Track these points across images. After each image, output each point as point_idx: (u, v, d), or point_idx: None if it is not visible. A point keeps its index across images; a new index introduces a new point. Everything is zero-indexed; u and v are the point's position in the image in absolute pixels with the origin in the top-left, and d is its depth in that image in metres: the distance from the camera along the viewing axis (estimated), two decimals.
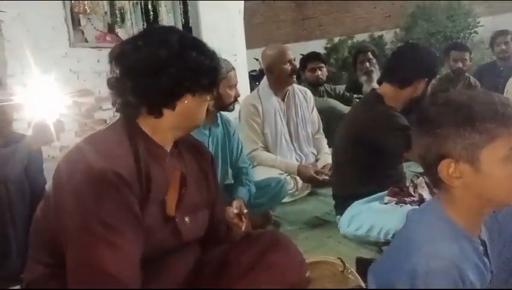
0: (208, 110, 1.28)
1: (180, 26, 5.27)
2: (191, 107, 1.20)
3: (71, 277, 1.04)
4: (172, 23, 5.19)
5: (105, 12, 4.85)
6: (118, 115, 1.25)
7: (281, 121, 3.17)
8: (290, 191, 2.89)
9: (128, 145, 1.14)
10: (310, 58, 4.12)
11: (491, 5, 8.19)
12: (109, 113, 4.43)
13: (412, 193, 2.03)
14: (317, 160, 3.31)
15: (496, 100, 0.97)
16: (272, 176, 2.75)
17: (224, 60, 2.02)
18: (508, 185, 0.96)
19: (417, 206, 1.87)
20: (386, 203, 2.04)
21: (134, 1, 5.09)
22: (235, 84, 2.34)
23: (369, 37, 9.37)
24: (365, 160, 2.11)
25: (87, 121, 4.44)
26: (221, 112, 2.41)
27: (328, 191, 2.56)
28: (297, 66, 3.31)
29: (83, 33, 4.66)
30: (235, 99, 2.34)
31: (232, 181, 2.50)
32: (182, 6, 5.48)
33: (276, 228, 2.52)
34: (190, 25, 5.48)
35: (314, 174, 2.99)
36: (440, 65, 2.15)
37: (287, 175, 2.99)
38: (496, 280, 1.10)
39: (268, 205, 2.59)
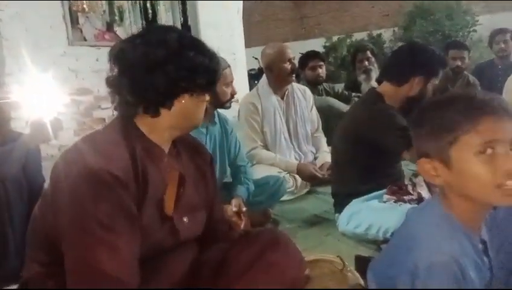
0: (205, 109, 1.28)
1: (178, 25, 5.27)
2: (189, 107, 1.20)
3: (70, 277, 1.04)
4: (170, 22, 5.19)
5: (104, 11, 4.85)
6: (116, 113, 1.25)
7: (280, 119, 3.17)
8: (289, 190, 2.89)
9: (125, 145, 1.14)
10: (310, 57, 4.12)
11: (489, 3, 8.20)
12: (108, 112, 4.43)
13: (411, 192, 2.03)
14: (315, 158, 3.31)
15: (473, 99, 0.98)
16: (270, 174, 2.74)
17: (220, 57, 2.02)
18: (482, 182, 0.95)
19: (416, 205, 1.88)
20: (384, 202, 2.04)
21: (133, 0, 5.08)
22: (231, 82, 2.34)
23: (367, 35, 9.37)
24: (364, 159, 2.11)
25: (86, 119, 4.44)
26: (218, 110, 2.41)
27: (327, 189, 2.56)
28: (297, 64, 3.31)
29: (81, 32, 4.66)
30: (232, 97, 2.34)
31: (231, 179, 2.49)
32: (180, 5, 5.48)
33: (275, 226, 2.52)
34: (189, 23, 5.48)
35: (314, 173, 2.99)
36: (440, 64, 2.13)
37: (286, 173, 2.99)
38: (495, 279, 1.09)
39: (267, 203, 2.59)
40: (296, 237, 2.23)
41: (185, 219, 1.25)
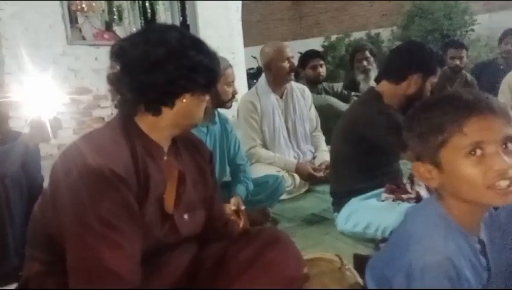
0: (205, 108, 1.28)
1: (177, 25, 5.26)
2: (190, 106, 1.20)
3: (72, 274, 1.04)
4: (169, 21, 5.19)
5: (103, 11, 4.85)
6: (116, 112, 1.25)
7: (279, 118, 3.17)
8: (288, 189, 2.89)
9: (125, 143, 1.14)
10: (311, 56, 4.12)
11: (487, 3, 8.21)
12: (107, 111, 4.43)
13: (409, 190, 2.04)
14: (314, 157, 3.32)
15: (460, 100, 0.97)
16: (269, 173, 2.75)
17: (221, 57, 2.03)
18: (473, 184, 0.94)
19: (415, 204, 1.88)
20: (383, 201, 2.04)
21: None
22: (232, 81, 2.35)
23: (366, 35, 9.37)
24: (363, 158, 2.12)
25: (85, 118, 4.44)
26: (218, 109, 2.41)
27: (326, 188, 2.56)
28: (296, 63, 3.32)
29: (80, 31, 4.65)
30: (233, 97, 2.35)
31: (230, 179, 2.50)
32: (179, 5, 5.48)
33: (274, 225, 2.52)
34: (188, 23, 5.48)
35: (313, 172, 3.00)
36: (438, 62, 2.13)
37: (285, 172, 3.00)
38: (497, 279, 1.09)
39: (267, 202, 2.60)
40: (295, 236, 2.23)
41: (185, 217, 1.26)
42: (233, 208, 2.14)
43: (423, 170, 1.02)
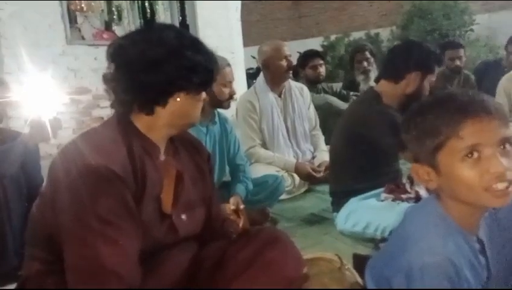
0: (203, 107, 1.28)
1: (176, 24, 5.26)
2: (185, 105, 1.20)
3: (70, 273, 1.04)
4: (169, 21, 5.18)
5: (102, 10, 4.84)
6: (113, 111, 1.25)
7: (278, 117, 3.17)
8: (287, 188, 2.89)
9: (122, 142, 1.14)
10: (311, 56, 4.13)
11: (486, 3, 8.21)
12: (107, 111, 4.42)
13: (409, 190, 2.04)
14: (314, 157, 3.32)
15: (455, 102, 0.96)
16: (269, 173, 2.75)
17: (220, 56, 2.02)
18: (471, 186, 0.94)
19: (414, 203, 1.88)
20: (382, 200, 2.04)
21: None
22: (230, 82, 2.33)
23: (365, 35, 9.37)
24: (362, 158, 2.12)
25: (85, 118, 4.44)
26: (218, 109, 2.41)
27: (325, 188, 2.56)
28: (294, 63, 3.32)
29: (79, 31, 4.65)
30: (230, 97, 2.34)
31: (230, 178, 2.50)
32: (179, 4, 5.47)
33: (273, 225, 2.52)
34: (187, 22, 5.47)
35: (312, 172, 3.00)
36: (435, 60, 2.14)
37: (285, 172, 3.00)
38: (496, 279, 1.09)
39: (266, 202, 2.60)
40: (294, 236, 2.23)
41: (184, 217, 1.25)
42: (232, 207, 2.14)
43: (421, 172, 1.02)
